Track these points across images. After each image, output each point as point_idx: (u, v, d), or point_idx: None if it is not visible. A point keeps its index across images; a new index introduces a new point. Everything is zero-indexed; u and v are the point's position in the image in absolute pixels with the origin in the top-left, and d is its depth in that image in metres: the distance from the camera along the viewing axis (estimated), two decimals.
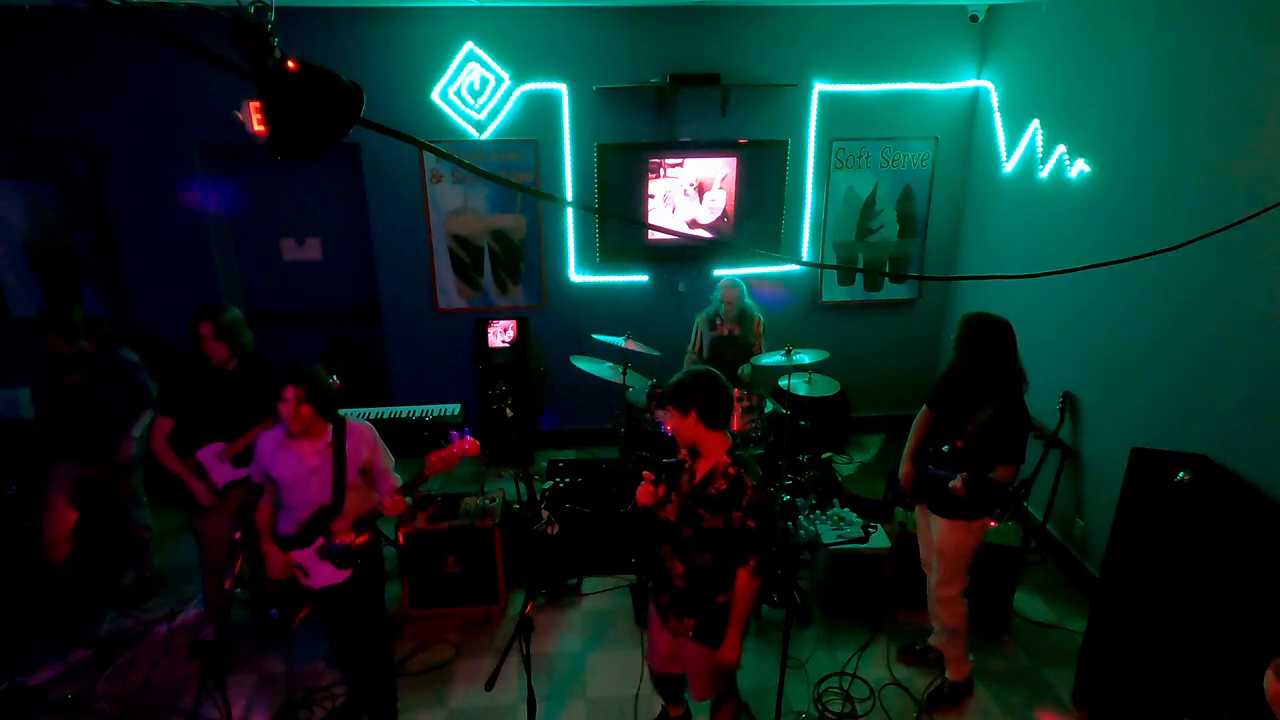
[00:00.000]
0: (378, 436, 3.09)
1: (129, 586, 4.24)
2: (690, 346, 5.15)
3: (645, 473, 2.71)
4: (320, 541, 2.95)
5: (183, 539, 4.76)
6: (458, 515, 4.03)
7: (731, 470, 2.58)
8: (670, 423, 2.69)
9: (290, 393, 2.81)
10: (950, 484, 3.14)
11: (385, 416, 4.69)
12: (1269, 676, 1.81)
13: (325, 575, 3.00)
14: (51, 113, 4.87)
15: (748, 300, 5.05)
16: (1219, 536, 2.93)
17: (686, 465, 2.73)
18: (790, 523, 4.24)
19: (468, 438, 2.88)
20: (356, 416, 4.52)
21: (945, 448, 3.23)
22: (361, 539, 2.99)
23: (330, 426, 2.98)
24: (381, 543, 3.15)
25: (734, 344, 4.97)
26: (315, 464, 2.94)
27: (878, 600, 4.12)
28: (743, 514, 2.54)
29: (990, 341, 3.11)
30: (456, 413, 4.82)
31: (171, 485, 3.57)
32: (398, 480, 3.05)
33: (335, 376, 3.66)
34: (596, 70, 5.15)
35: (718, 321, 5.03)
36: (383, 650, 3.31)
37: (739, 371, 4.86)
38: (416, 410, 4.79)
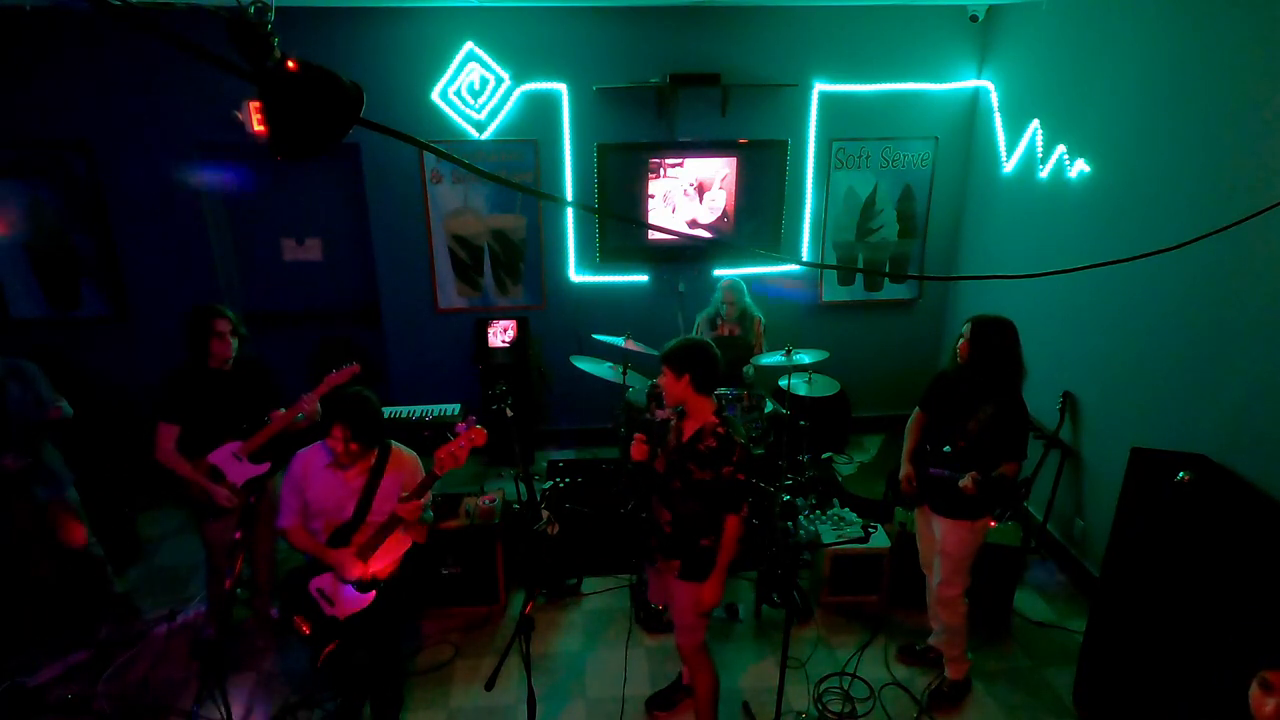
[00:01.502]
0: (420, 467, 3.06)
1: (121, 596, 4.19)
2: None
3: (637, 434, 2.97)
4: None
5: (182, 539, 4.75)
6: (458, 515, 4.03)
7: (721, 430, 2.83)
8: (662, 382, 2.89)
9: (339, 432, 2.77)
10: (960, 483, 3.13)
11: (385, 416, 4.69)
12: (1254, 688, 1.81)
13: (350, 601, 2.93)
14: (51, 113, 4.87)
15: (748, 301, 5.04)
16: (1219, 536, 2.93)
17: (673, 424, 3.00)
18: (790, 523, 4.24)
19: (474, 428, 2.86)
20: None
21: (947, 448, 3.24)
22: (387, 566, 2.94)
23: (375, 450, 2.95)
24: (411, 567, 3.10)
25: (735, 344, 4.96)
26: (356, 486, 2.91)
27: (878, 600, 4.13)
28: (733, 468, 2.80)
29: (993, 339, 3.12)
30: (456, 413, 4.82)
31: (172, 488, 3.56)
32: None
33: (354, 361, 3.68)
34: (596, 70, 5.15)
35: (718, 322, 5.03)
36: (396, 661, 3.28)
37: (743, 372, 4.86)
38: (416, 410, 4.79)
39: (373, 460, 2.93)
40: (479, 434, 2.86)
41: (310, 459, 2.94)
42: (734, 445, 2.80)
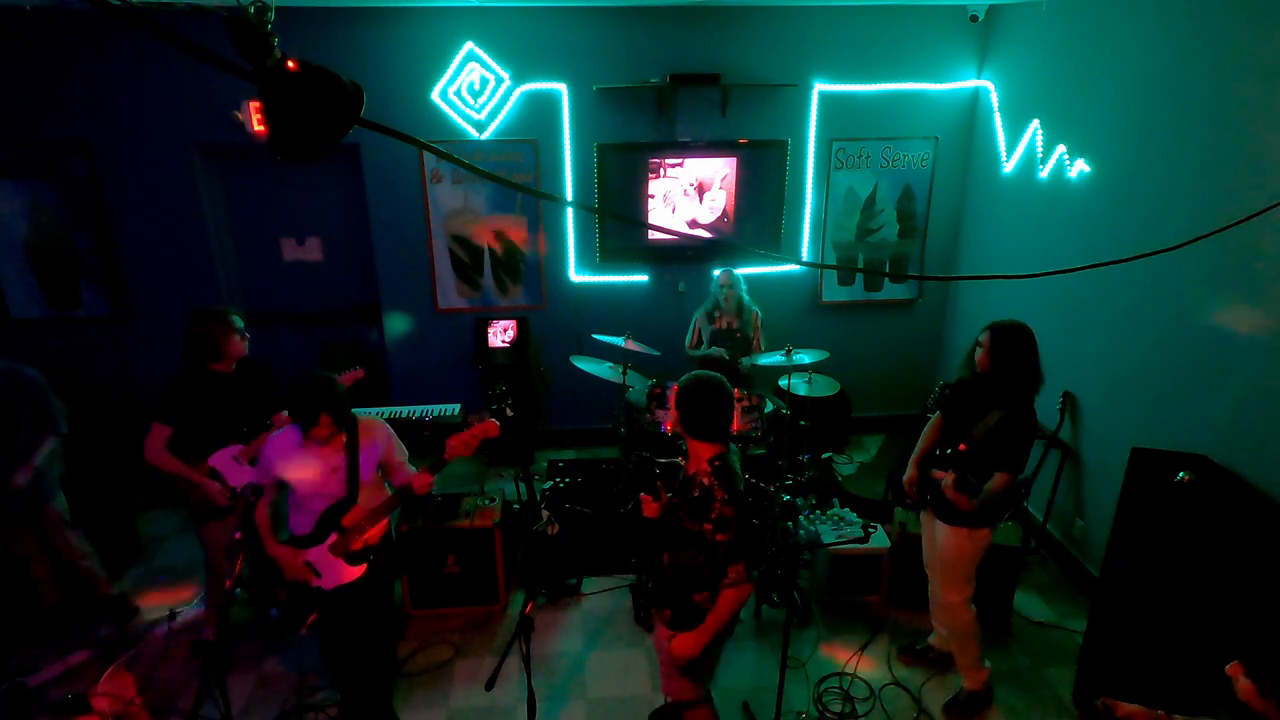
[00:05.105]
0: (391, 431, 3.11)
1: (121, 596, 4.18)
2: (688, 344, 5.14)
3: (643, 494, 2.68)
4: (334, 538, 2.94)
5: (182, 539, 4.75)
6: (458, 515, 4.03)
7: (706, 479, 2.50)
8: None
9: (326, 419, 2.82)
10: (942, 484, 3.13)
11: (385, 416, 4.69)
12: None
13: (338, 573, 2.98)
14: (51, 113, 4.87)
15: (744, 293, 5.03)
16: (1219, 536, 2.93)
17: (681, 463, 2.73)
18: (790, 523, 4.24)
19: (488, 420, 2.98)
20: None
21: (948, 450, 3.23)
22: (375, 534, 3.00)
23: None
24: (394, 538, 3.16)
25: (733, 337, 4.96)
26: (335, 462, 2.94)
27: (878, 600, 4.12)
28: (713, 527, 2.46)
29: (1015, 347, 3.06)
30: (456, 413, 4.81)
31: (170, 490, 3.56)
32: (413, 471, 3.07)
33: (358, 365, 3.70)
34: (596, 70, 5.15)
35: (716, 314, 5.02)
36: (387, 652, 3.28)
37: (740, 363, 4.85)
38: (417, 410, 4.79)
39: (345, 437, 2.98)
40: (492, 426, 2.99)
41: (283, 443, 2.95)
42: (713, 500, 2.44)
